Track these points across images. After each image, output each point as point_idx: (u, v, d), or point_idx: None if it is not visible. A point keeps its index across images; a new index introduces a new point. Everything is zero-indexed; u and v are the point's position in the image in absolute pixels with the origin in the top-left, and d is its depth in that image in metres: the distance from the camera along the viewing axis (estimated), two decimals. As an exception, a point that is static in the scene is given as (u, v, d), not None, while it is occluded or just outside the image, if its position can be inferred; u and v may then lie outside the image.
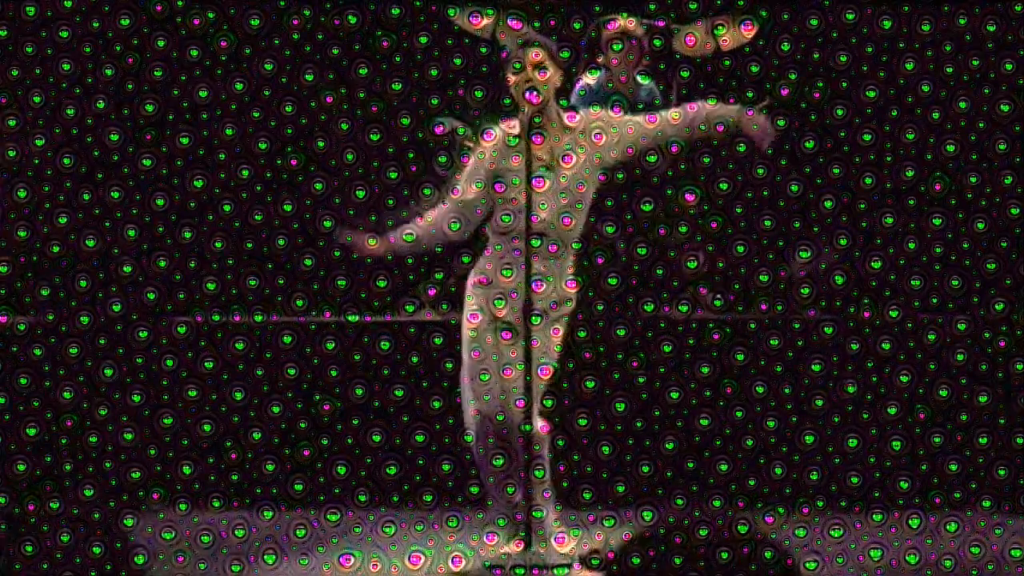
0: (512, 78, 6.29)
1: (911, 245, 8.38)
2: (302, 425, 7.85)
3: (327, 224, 6.41)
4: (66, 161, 8.23)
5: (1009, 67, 8.36)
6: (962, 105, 8.39)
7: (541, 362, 6.26)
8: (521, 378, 6.13)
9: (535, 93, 6.23)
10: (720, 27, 8.56)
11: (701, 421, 7.75)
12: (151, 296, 8.09)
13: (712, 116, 6.42)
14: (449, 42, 8.77)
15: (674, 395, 7.78)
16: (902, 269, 8.34)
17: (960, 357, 7.75)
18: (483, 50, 8.62)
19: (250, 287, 8.35)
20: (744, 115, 6.42)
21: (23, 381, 7.71)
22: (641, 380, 7.83)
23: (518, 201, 6.21)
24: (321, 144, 8.73)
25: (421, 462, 7.79)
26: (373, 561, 6.57)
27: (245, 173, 8.58)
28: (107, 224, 8.40)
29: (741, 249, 8.46)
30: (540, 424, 6.22)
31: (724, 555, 5.85)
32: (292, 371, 7.85)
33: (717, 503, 7.56)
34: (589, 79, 8.63)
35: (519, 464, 6.20)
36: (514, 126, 6.33)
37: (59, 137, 8.41)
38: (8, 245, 8.38)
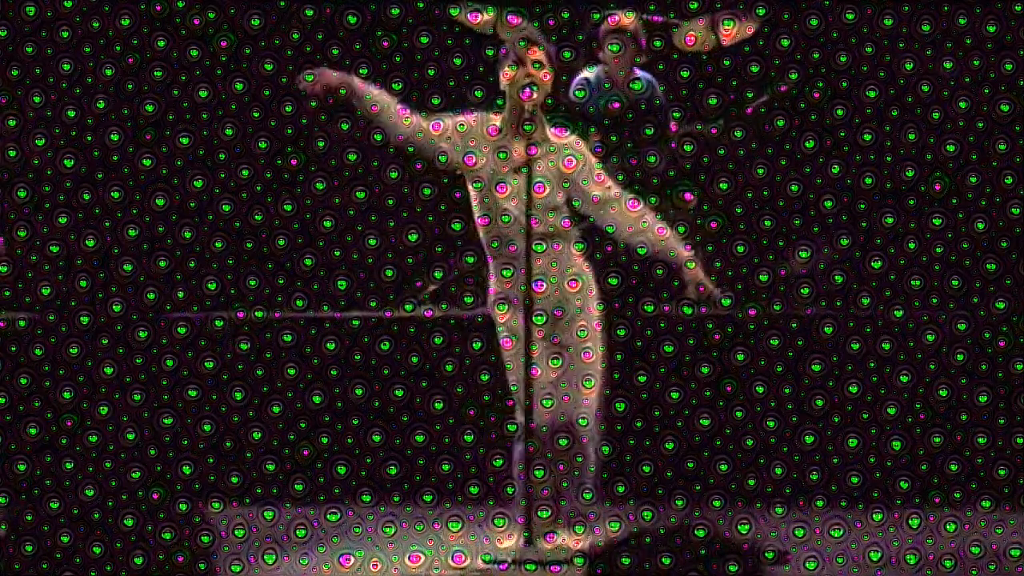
0: (508, 74, 6.27)
1: (911, 245, 8.39)
2: (302, 425, 7.86)
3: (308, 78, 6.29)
4: (67, 163, 8.24)
5: (1009, 67, 8.37)
6: (962, 105, 8.40)
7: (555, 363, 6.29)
8: (521, 378, 6.14)
9: (530, 90, 6.21)
10: (728, 21, 8.58)
11: (701, 421, 7.76)
12: (151, 296, 8.10)
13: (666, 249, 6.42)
14: (449, 42, 8.78)
15: (674, 395, 7.78)
16: (902, 269, 8.35)
17: (960, 357, 7.75)
18: (489, 52, 8.62)
19: (250, 287, 8.35)
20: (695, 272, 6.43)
21: (23, 381, 7.71)
22: (642, 379, 7.84)
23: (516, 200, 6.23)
24: (321, 144, 8.74)
25: (421, 462, 7.79)
26: (373, 561, 6.57)
27: (245, 173, 8.58)
28: (107, 224, 8.41)
29: (741, 249, 8.47)
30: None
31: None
32: (292, 371, 7.86)
33: (717, 503, 7.57)
34: (588, 74, 8.64)
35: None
36: (495, 121, 6.33)
37: (59, 137, 8.42)
38: (9, 245, 8.38)
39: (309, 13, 8.73)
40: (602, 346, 6.34)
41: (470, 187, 6.33)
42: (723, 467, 7.71)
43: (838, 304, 8.38)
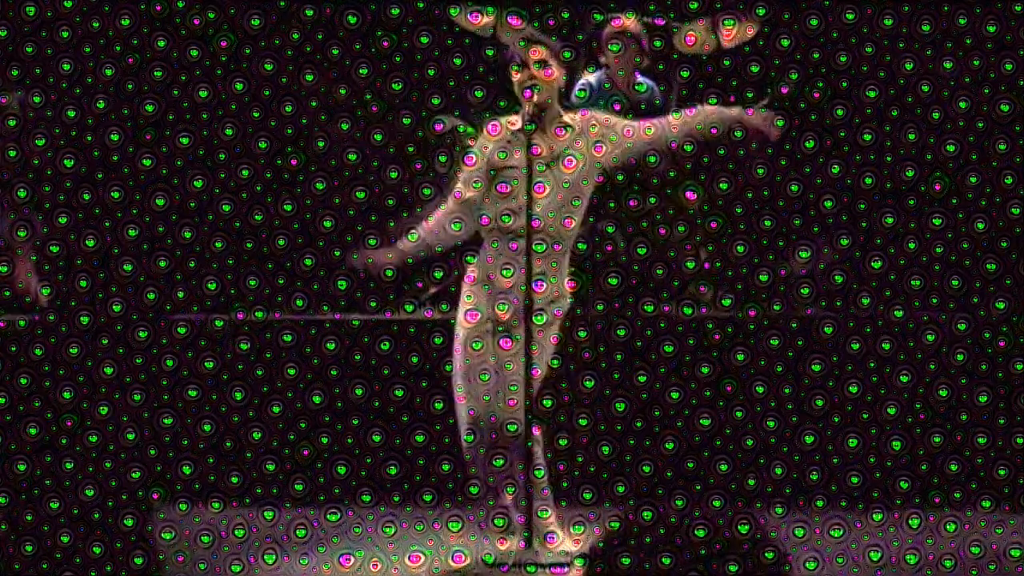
0: (516, 76, 6.29)
1: (911, 245, 8.38)
2: (302, 425, 7.86)
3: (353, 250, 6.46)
4: (67, 163, 8.24)
5: (1009, 67, 8.37)
6: (962, 105, 8.39)
7: (554, 364, 6.28)
8: (520, 378, 6.14)
9: (531, 91, 6.22)
10: (728, 21, 8.57)
11: (701, 421, 7.76)
12: (151, 296, 8.09)
13: (709, 119, 6.42)
14: (449, 42, 8.78)
15: (674, 395, 7.78)
16: (902, 269, 8.34)
17: (960, 357, 7.75)
18: (489, 52, 8.62)
19: (250, 287, 8.35)
20: (744, 114, 6.42)
21: (23, 381, 7.71)
22: (641, 379, 7.84)
23: (519, 200, 6.22)
24: (321, 144, 8.73)
25: (421, 462, 7.79)
26: (373, 561, 6.57)
27: (245, 173, 8.58)
28: (107, 224, 8.40)
29: (741, 249, 8.47)
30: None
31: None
32: (292, 371, 7.85)
33: (717, 503, 7.56)
34: (589, 77, 8.65)
35: (517, 464, 6.21)
36: (515, 122, 6.35)
37: (59, 137, 8.41)
38: (9, 245, 8.38)
39: (309, 13, 8.72)
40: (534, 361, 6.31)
41: (505, 185, 6.33)
42: (723, 467, 7.71)
43: (838, 304, 8.37)
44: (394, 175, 8.71)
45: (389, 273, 6.50)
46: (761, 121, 6.40)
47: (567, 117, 6.35)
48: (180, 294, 8.40)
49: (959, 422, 7.74)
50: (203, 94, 8.50)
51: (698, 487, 7.75)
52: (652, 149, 6.47)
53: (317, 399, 7.84)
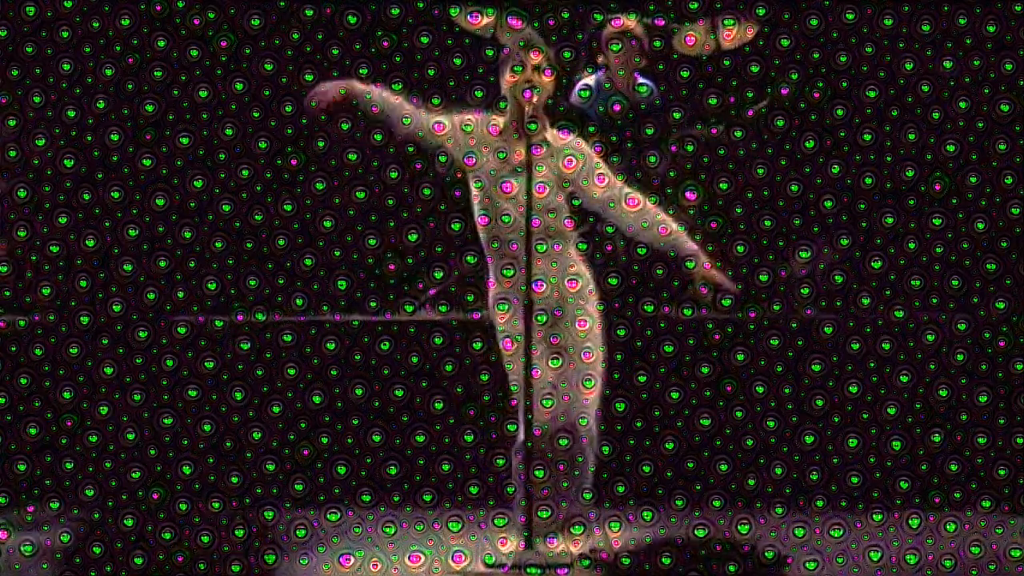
0: (509, 78, 6.29)
1: (911, 245, 8.39)
2: (302, 425, 7.86)
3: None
4: (67, 163, 8.24)
5: (1009, 67, 8.37)
6: (962, 105, 8.40)
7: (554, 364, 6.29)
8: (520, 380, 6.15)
9: (531, 92, 6.23)
10: (728, 20, 8.58)
11: (701, 421, 7.76)
12: (151, 296, 8.10)
13: (673, 241, 6.45)
14: (449, 42, 8.78)
15: (674, 395, 7.78)
16: (902, 269, 8.35)
17: (960, 357, 7.75)
18: (489, 52, 8.62)
19: (250, 287, 8.35)
20: (701, 259, 6.45)
21: (23, 381, 7.72)
22: (641, 379, 7.84)
23: (518, 200, 6.23)
24: (321, 144, 8.74)
25: (421, 462, 7.80)
26: (373, 561, 6.57)
27: (245, 173, 8.58)
28: (107, 224, 8.41)
29: (741, 249, 8.47)
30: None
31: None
32: (292, 371, 7.86)
33: (717, 503, 7.57)
34: (588, 79, 8.65)
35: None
36: (497, 122, 6.35)
37: (59, 137, 8.42)
38: (8, 245, 8.38)
39: (309, 13, 8.73)
40: (602, 346, 6.35)
41: (472, 187, 6.35)
42: (723, 467, 7.71)
43: (838, 304, 8.38)
44: (394, 175, 8.71)
45: (345, 127, 6.41)
46: (718, 277, 6.45)
47: (548, 134, 6.33)
48: (180, 294, 8.40)
49: (959, 422, 7.74)
50: (203, 94, 8.51)
51: (697, 487, 7.75)
52: (610, 217, 6.48)
53: (317, 399, 7.85)
